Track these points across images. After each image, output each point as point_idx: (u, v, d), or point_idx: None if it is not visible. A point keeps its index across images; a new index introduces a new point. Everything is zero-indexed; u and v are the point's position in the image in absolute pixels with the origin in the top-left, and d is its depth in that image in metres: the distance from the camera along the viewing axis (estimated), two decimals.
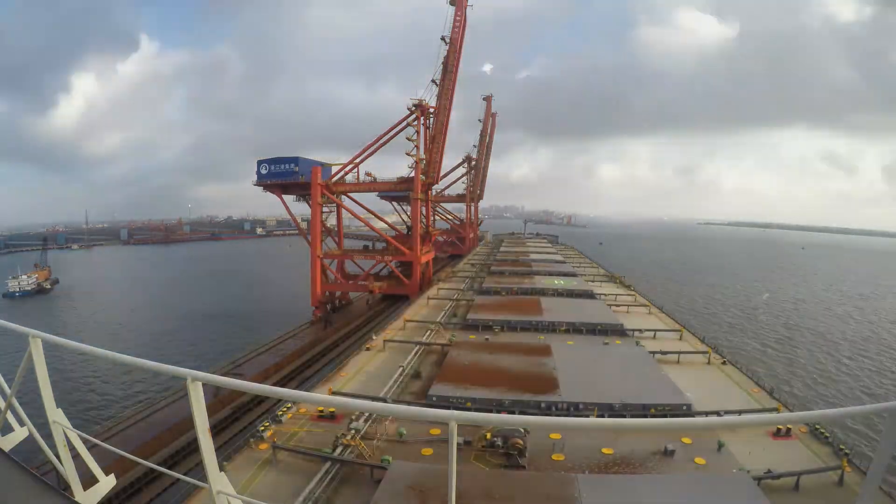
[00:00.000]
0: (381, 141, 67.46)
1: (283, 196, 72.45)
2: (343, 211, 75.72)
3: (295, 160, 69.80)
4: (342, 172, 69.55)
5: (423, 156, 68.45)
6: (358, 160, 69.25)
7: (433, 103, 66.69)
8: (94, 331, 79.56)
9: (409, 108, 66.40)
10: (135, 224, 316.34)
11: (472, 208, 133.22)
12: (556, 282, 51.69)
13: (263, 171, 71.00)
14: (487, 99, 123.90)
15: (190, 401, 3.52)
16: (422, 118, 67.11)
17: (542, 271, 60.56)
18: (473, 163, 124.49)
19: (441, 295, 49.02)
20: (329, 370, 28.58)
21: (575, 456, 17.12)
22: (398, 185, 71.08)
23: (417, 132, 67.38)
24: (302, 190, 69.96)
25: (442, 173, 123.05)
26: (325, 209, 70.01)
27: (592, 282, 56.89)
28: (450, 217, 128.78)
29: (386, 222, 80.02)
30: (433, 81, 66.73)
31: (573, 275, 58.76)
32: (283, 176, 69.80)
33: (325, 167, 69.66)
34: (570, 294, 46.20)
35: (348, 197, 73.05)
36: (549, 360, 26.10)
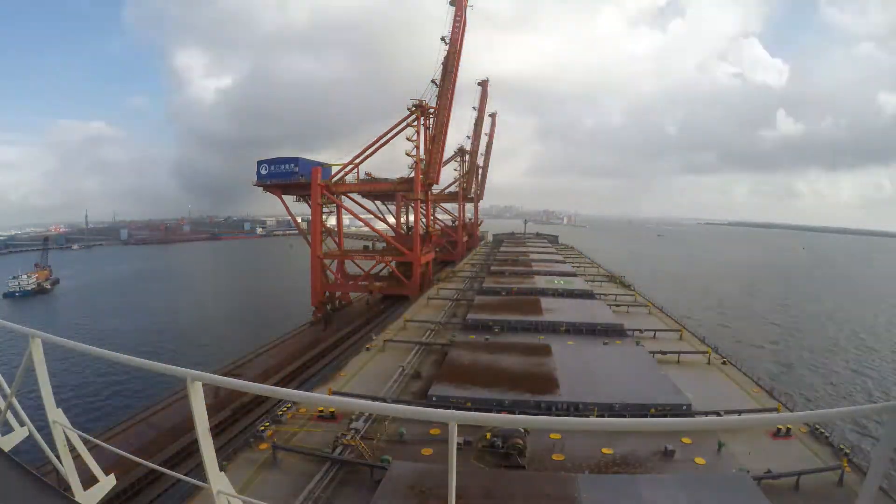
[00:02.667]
0: (382, 141, 67.48)
1: (284, 196, 72.67)
2: (343, 211, 76.19)
3: (295, 160, 70.06)
4: (342, 173, 69.71)
5: (423, 156, 68.38)
6: (358, 160, 69.28)
7: (433, 104, 66.68)
8: (94, 330, 79.52)
9: (409, 109, 66.39)
10: (135, 224, 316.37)
11: (470, 207, 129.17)
12: (556, 282, 51.67)
13: (263, 172, 71.26)
14: (483, 84, 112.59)
15: (190, 401, 3.52)
16: (422, 118, 67.13)
17: (542, 271, 60.57)
18: (467, 156, 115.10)
19: (441, 295, 49.06)
20: (329, 370, 28.60)
21: (575, 456, 17.12)
22: (399, 185, 70.86)
23: (417, 132, 67.25)
24: (302, 190, 70.17)
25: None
26: (325, 209, 70.25)
27: (592, 282, 56.92)
28: (447, 217, 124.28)
29: (386, 222, 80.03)
30: (433, 82, 66.66)
31: (573, 275, 58.77)
32: (282, 176, 70.15)
33: (325, 167, 69.94)
34: (570, 294, 46.19)
35: (348, 197, 73.06)
36: (549, 360, 26.10)
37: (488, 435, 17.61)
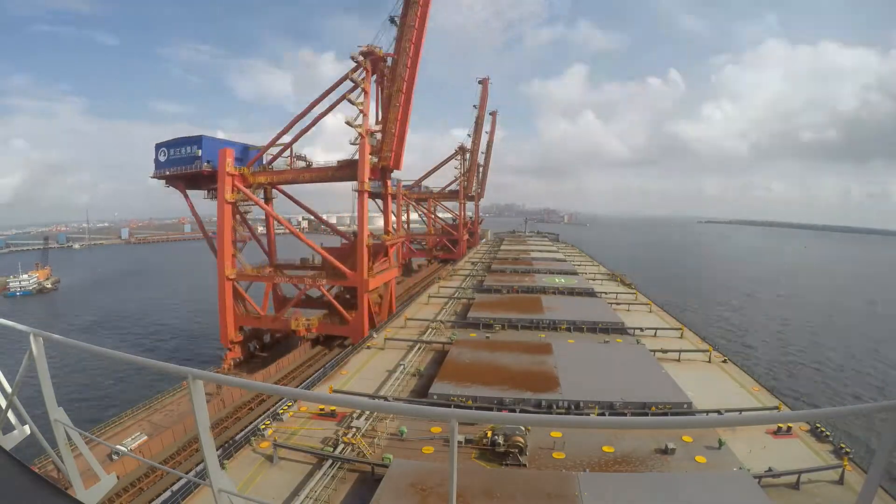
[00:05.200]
0: (318, 110, 49.06)
1: (197, 191, 54.98)
2: (295, 212, 64.26)
3: (198, 140, 51.13)
4: (267, 155, 52.88)
5: (375, 127, 48.49)
6: (290, 140, 50.96)
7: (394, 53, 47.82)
8: (95, 329, 79.64)
9: (353, 58, 46.31)
10: (136, 223, 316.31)
11: (471, 206, 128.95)
12: (556, 280, 51.67)
13: (162, 159, 52.88)
14: (483, 82, 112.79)
15: (191, 399, 3.52)
16: (371, 73, 47.36)
17: (542, 269, 60.48)
18: (468, 155, 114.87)
19: (442, 293, 49.04)
20: (330, 368, 28.64)
21: (576, 454, 17.14)
22: (339, 170, 50.23)
23: (365, 91, 46.73)
24: (212, 182, 51.32)
25: (432, 165, 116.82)
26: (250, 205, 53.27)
27: (593, 280, 56.88)
28: (449, 216, 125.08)
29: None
30: (391, 20, 47.10)
31: (574, 273, 58.74)
32: (184, 163, 51.21)
33: (249, 149, 53.50)
34: (571, 292, 46.19)
35: (279, 190, 55.18)
36: (549, 358, 26.11)
37: (489, 433, 17.64)
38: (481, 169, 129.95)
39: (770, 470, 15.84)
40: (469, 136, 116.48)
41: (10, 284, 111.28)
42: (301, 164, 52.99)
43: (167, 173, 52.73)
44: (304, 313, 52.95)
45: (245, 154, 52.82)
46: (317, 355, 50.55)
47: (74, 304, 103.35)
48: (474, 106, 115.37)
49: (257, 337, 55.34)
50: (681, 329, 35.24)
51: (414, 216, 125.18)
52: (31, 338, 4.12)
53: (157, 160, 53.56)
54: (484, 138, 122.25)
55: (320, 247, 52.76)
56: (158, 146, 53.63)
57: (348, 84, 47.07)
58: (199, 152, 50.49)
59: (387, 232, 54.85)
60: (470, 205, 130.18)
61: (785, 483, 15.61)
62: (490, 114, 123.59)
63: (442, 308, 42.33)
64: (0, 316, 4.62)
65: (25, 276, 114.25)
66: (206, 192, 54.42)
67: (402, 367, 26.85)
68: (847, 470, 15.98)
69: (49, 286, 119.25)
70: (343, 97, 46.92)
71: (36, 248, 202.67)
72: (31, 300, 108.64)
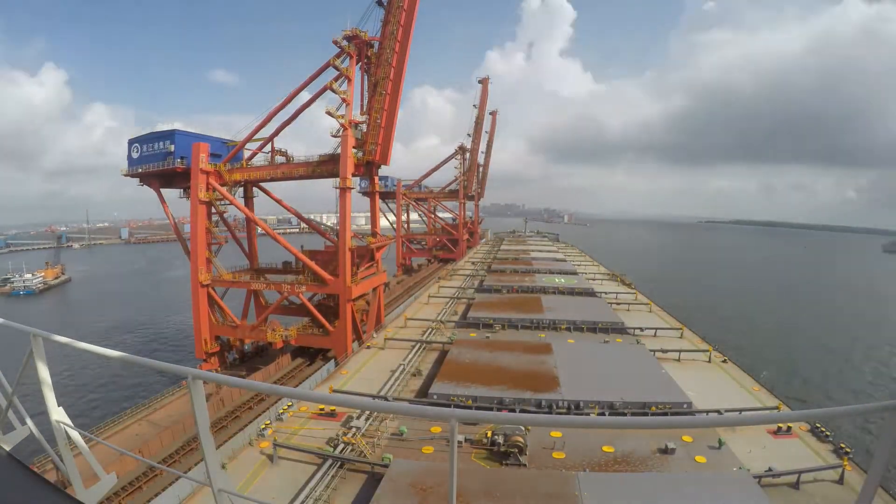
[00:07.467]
0: (299, 101, 46.83)
1: (171, 190, 51.88)
2: (273, 210, 59.51)
3: (170, 135, 48.36)
4: (250, 150, 49.73)
5: (361, 118, 45.57)
6: (268, 133, 47.43)
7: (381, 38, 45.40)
8: (96, 329, 79.67)
9: (336, 43, 43.71)
10: (136, 223, 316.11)
11: (470, 206, 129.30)
12: (556, 280, 51.68)
13: (135, 155, 50.13)
14: (483, 82, 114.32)
15: (191, 399, 3.52)
16: (356, 60, 44.75)
17: (542, 269, 60.49)
18: (468, 154, 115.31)
19: (442, 293, 49.06)
20: (330, 368, 28.68)
21: (575, 454, 17.15)
22: (320, 166, 46.73)
23: (349, 79, 43.98)
24: (187, 180, 48.30)
25: (432, 165, 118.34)
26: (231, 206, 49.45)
27: (593, 280, 56.93)
28: (449, 216, 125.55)
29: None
30: (377, 2, 44.93)
31: (574, 273, 58.76)
32: (156, 160, 48.64)
33: (227, 144, 50.26)
34: (571, 292, 46.21)
35: (259, 188, 52.29)
36: (549, 358, 26.11)
37: (489, 433, 17.65)
38: (481, 169, 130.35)
39: (770, 470, 15.85)
40: (469, 135, 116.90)
41: (14, 283, 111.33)
42: (281, 159, 49.66)
43: (139, 171, 49.89)
44: (288, 322, 49.20)
45: (223, 149, 49.88)
46: (293, 371, 45.30)
47: (80, 304, 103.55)
48: (474, 106, 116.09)
49: (235, 347, 52.05)
50: (681, 329, 35.24)
51: (414, 216, 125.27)
52: (31, 338, 4.12)
53: (129, 157, 50.81)
54: (484, 138, 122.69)
55: (301, 250, 48.74)
56: (131, 142, 50.98)
57: (332, 72, 44.43)
58: (172, 148, 47.70)
59: (374, 234, 51.01)
60: (470, 205, 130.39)
61: (785, 483, 15.63)
62: (490, 114, 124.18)
63: (442, 308, 42.34)
64: (0, 315, 4.62)
65: (29, 276, 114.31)
66: (181, 191, 51.57)
67: (402, 367, 26.87)
68: (847, 470, 15.99)
69: (57, 284, 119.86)
70: (326, 87, 43.88)
71: (37, 248, 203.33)
72: (32, 300, 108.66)
